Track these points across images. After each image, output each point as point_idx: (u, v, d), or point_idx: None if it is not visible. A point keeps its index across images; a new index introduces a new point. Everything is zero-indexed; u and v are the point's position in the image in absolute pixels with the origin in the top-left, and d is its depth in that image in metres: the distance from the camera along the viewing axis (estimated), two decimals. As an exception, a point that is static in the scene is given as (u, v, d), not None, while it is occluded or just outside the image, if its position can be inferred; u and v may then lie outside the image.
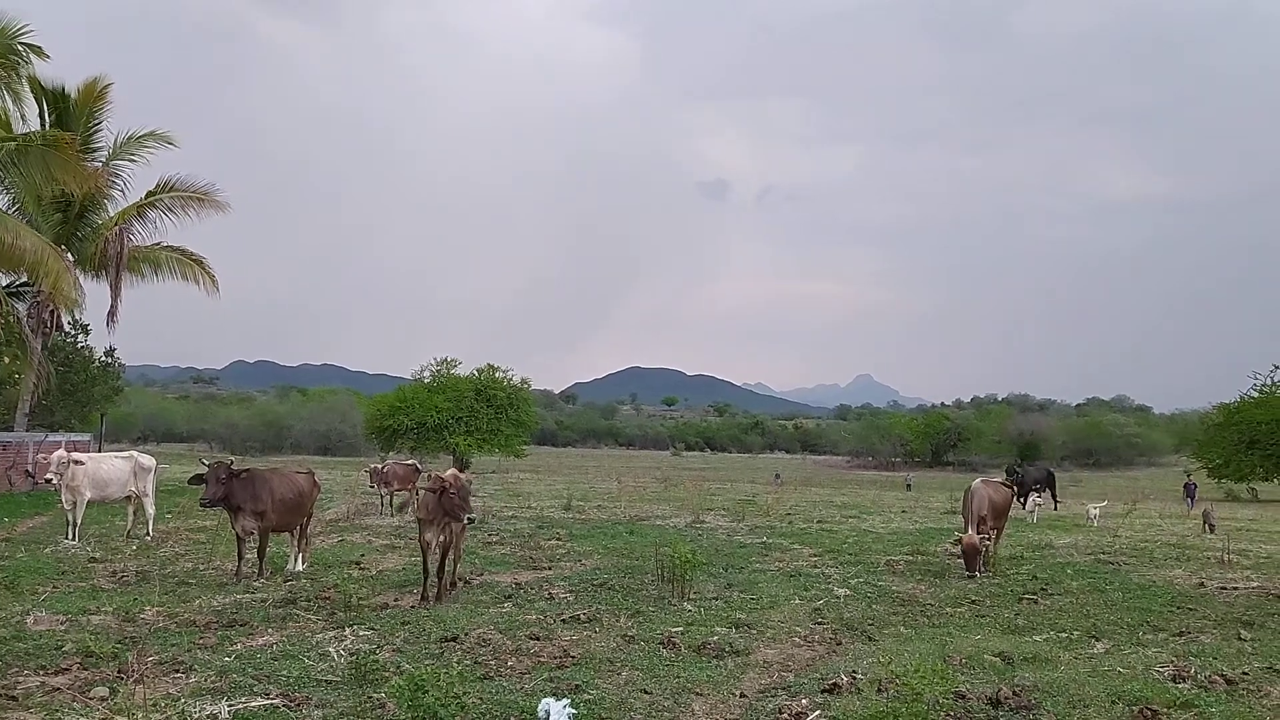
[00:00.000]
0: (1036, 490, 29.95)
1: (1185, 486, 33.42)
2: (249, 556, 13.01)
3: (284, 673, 7.82)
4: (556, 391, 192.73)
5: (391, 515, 21.58)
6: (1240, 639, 9.99)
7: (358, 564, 14.16)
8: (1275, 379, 47.04)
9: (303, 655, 8.42)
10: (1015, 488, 30.17)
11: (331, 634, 9.32)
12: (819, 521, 23.16)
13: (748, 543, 18.06)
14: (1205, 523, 22.35)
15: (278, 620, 10.01)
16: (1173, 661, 8.78)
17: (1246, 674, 8.37)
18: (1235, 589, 13.47)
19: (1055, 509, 29.57)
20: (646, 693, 7.54)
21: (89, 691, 7.13)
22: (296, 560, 13.52)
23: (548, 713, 6.43)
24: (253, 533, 12.92)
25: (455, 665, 7.27)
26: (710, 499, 30.45)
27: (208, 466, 12.85)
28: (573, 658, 8.57)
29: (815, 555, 16.46)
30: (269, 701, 6.98)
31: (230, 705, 6.80)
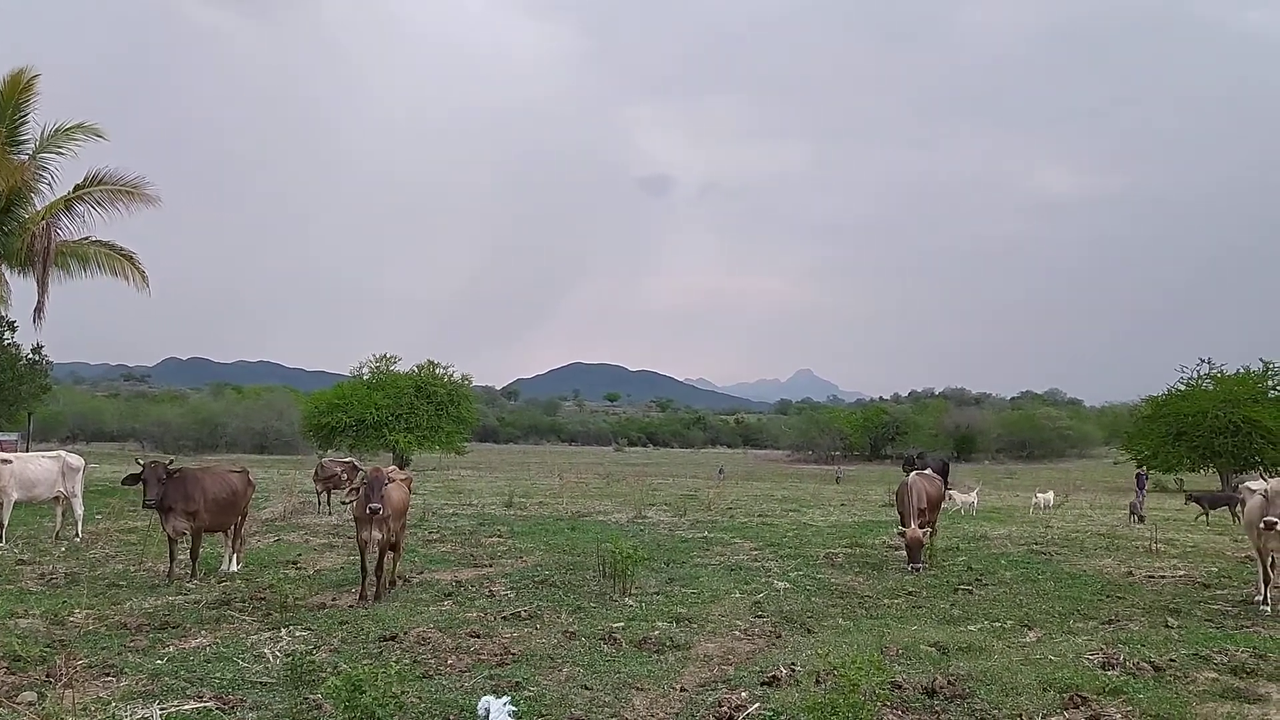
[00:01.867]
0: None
1: (1137, 477, 34.07)
2: (181, 558, 12.76)
3: (218, 675, 7.70)
4: (498, 388, 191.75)
5: (329, 514, 21.33)
6: (1167, 626, 10.28)
7: (294, 563, 13.98)
8: (1200, 373, 48.35)
9: (237, 657, 8.30)
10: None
11: (267, 635, 9.19)
12: (760, 515, 23.33)
13: (689, 537, 18.14)
14: (1133, 513, 22.89)
15: (211, 622, 9.86)
16: (1102, 649, 9.00)
17: (1173, 660, 8.61)
18: (1162, 577, 13.84)
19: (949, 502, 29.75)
20: (587, 688, 7.55)
21: (16, 696, 6.95)
22: (230, 560, 13.31)
23: (487, 710, 6.40)
24: (185, 533, 12.69)
25: (394, 664, 7.19)
26: (652, 494, 30.53)
27: (143, 466, 12.59)
28: (513, 655, 8.56)
29: (756, 549, 16.59)
30: (202, 704, 6.87)
31: (162, 709, 6.68)
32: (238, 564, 13.33)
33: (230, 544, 13.49)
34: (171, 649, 8.62)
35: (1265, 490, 11.30)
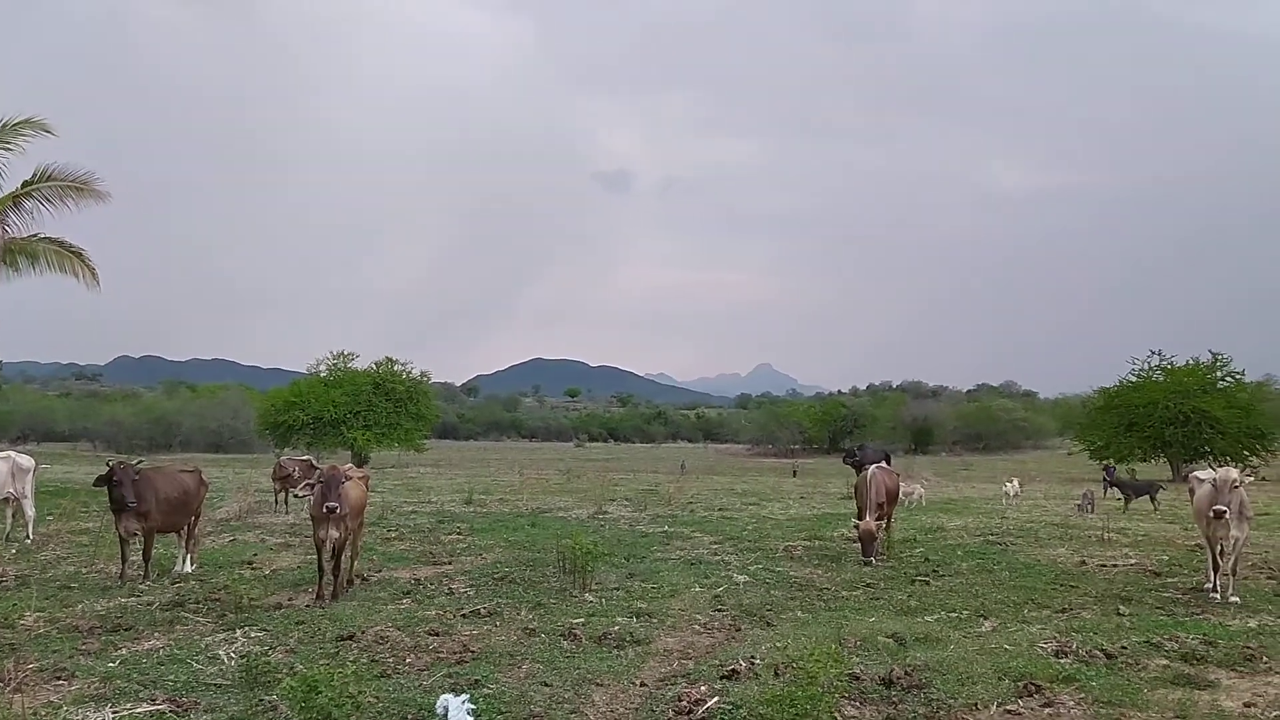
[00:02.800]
0: None
1: (1106, 469, 34.47)
2: (133, 559, 12.60)
3: (171, 677, 7.61)
4: (458, 384, 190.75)
5: (286, 513, 21.12)
6: (1119, 614, 10.44)
7: (250, 563, 13.82)
8: (1151, 365, 49.12)
9: (191, 659, 8.20)
10: (855, 469, 30.90)
11: (221, 636, 9.08)
12: (720, 509, 23.41)
13: (649, 532, 18.16)
14: (1086, 503, 23.20)
15: (165, 623, 9.73)
16: (1055, 637, 9.13)
17: (1125, 648, 8.75)
18: (1114, 566, 14.06)
19: None
20: (547, 685, 7.54)
21: (-37, 702, 6.82)
22: (184, 561, 13.14)
23: (446, 709, 6.37)
24: (137, 534, 12.51)
25: (351, 664, 7.16)
26: (613, 490, 30.53)
27: (111, 467, 12.42)
28: (472, 652, 8.52)
29: (716, 543, 16.64)
30: (155, 707, 6.79)
31: (115, 712, 6.60)
32: (192, 565, 13.16)
33: (184, 544, 13.31)
34: (124, 651, 8.49)
35: (1214, 479, 11.51)
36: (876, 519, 14.27)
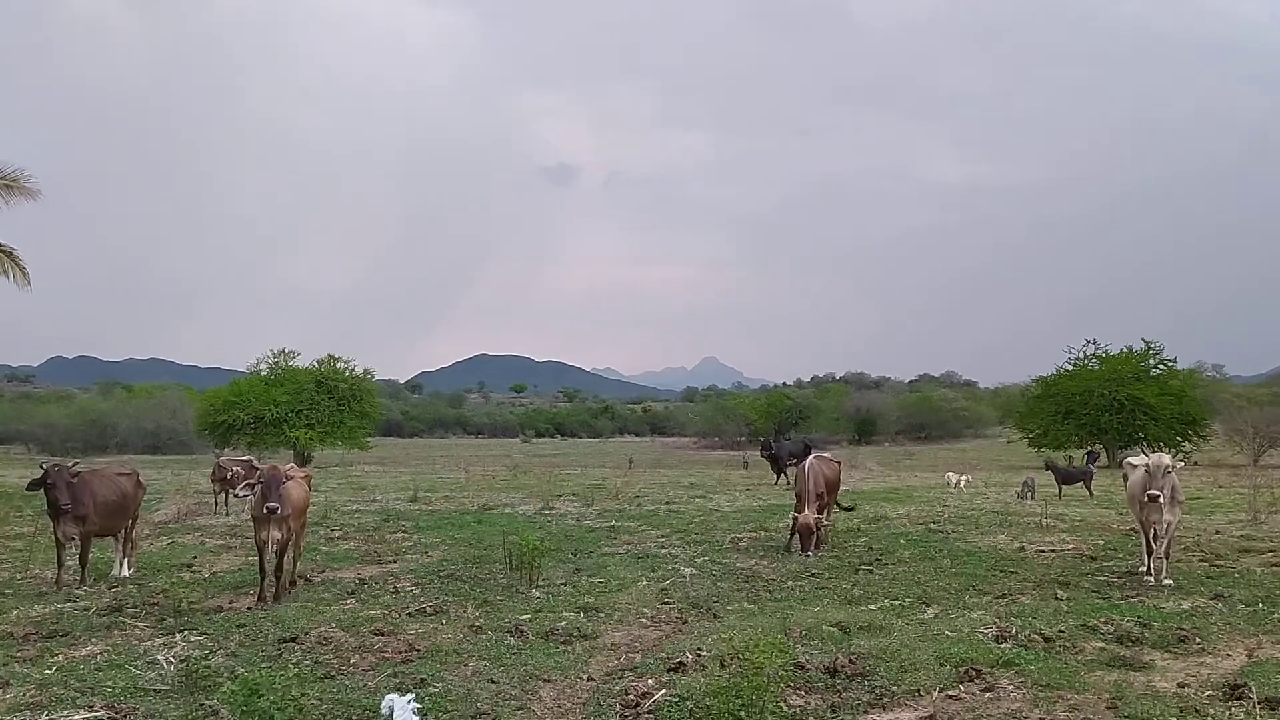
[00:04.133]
0: (793, 464, 31.06)
1: (1089, 455, 34.88)
2: (70, 563, 12.33)
3: (109, 684, 7.48)
4: (402, 381, 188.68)
5: (226, 514, 20.78)
6: (1057, 598, 10.68)
7: (189, 566, 13.62)
8: (1086, 354, 50.08)
9: (129, 664, 8.06)
10: (770, 461, 31.19)
11: (161, 641, 8.94)
12: (667, 503, 23.45)
13: (597, 527, 18.16)
14: (1026, 490, 23.56)
15: (102, 629, 9.58)
16: (995, 623, 9.31)
17: (1062, 632, 8.95)
18: (1052, 551, 14.36)
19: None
20: (493, 682, 7.51)
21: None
22: (122, 565, 12.90)
23: (391, 709, 6.32)
24: (74, 538, 12.24)
25: (294, 666, 7.08)
26: (560, 485, 30.44)
27: (45, 470, 12.13)
28: (418, 651, 8.47)
29: (663, 536, 16.69)
30: (93, 714, 6.68)
31: (51, 719, 6.44)
32: (129, 569, 12.92)
33: (121, 548, 13.06)
34: (60, 658, 8.34)
35: (1147, 465, 11.79)
36: (817, 510, 14.35)
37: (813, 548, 14.13)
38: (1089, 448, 40.07)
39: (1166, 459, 11.81)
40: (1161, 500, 11.42)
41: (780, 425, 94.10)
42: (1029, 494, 23.45)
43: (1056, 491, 25.03)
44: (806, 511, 14.19)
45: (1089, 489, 25.11)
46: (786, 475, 31.11)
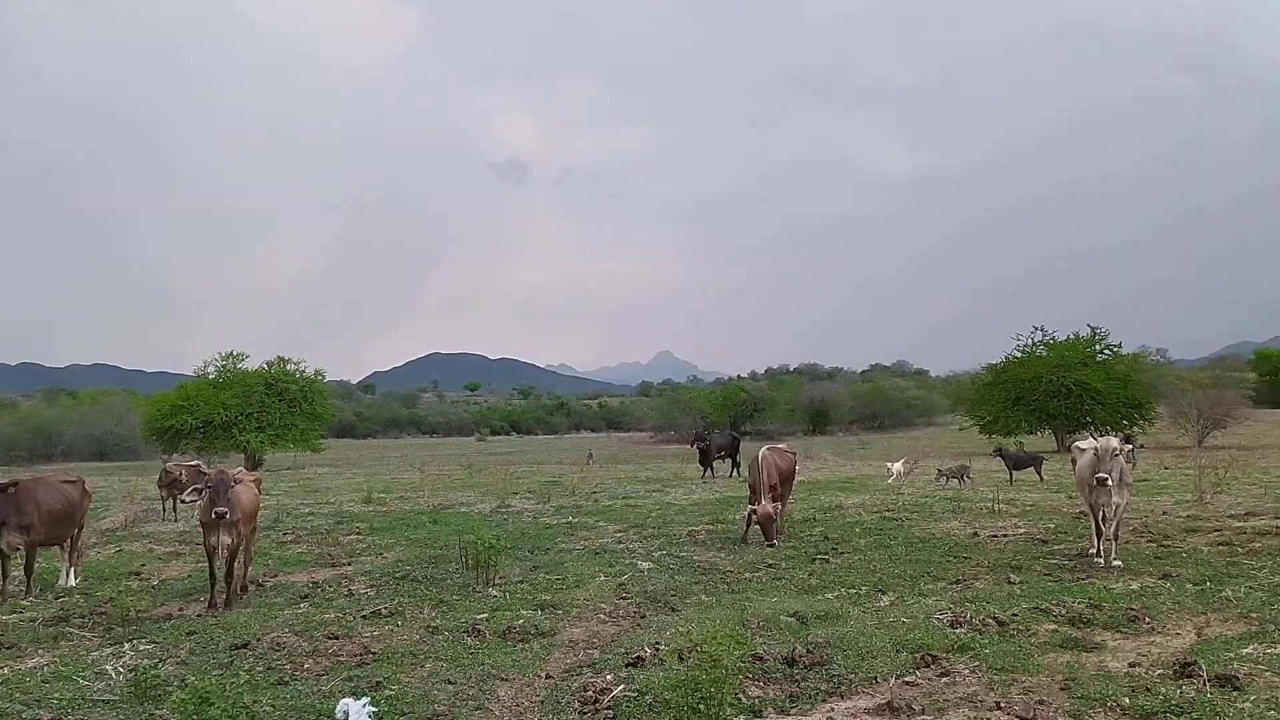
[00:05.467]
0: (721, 457, 31.20)
1: (1125, 437, 34.73)
2: (15, 574, 12.02)
3: (56, 695, 7.32)
4: (354, 382, 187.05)
5: (175, 521, 20.43)
6: (1010, 583, 10.80)
7: (138, 574, 13.36)
8: (1035, 340, 50.86)
9: (77, 675, 7.89)
10: (700, 454, 31.35)
11: (109, 650, 8.76)
12: (624, 497, 23.43)
13: (554, 523, 18.09)
14: (962, 475, 23.63)
15: (48, 640, 9.36)
16: (950, 608, 9.39)
17: (1016, 615, 9.06)
18: (1005, 536, 14.54)
19: (736, 476, 29.54)
20: (450, 683, 7.44)
21: None
22: (68, 574, 12.62)
23: (346, 713, 6.24)
24: (18, 548, 11.93)
25: (245, 673, 6.93)
26: (516, 482, 30.29)
27: None
28: (373, 654, 8.37)
29: (620, 531, 16.66)
30: (39, 728, 6.48)
31: (-7, 736, 6.28)
32: (76, 578, 12.64)
33: (67, 557, 12.77)
34: (6, 670, 8.15)
35: (1096, 449, 11.97)
36: (771, 500, 14.39)
37: (775, 536, 14.16)
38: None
39: (1114, 442, 12.00)
40: (1110, 483, 11.60)
41: (736, 417, 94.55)
42: (947, 479, 23.48)
43: (1008, 477, 25.37)
44: (764, 502, 14.22)
45: (1039, 474, 25.49)
46: (713, 469, 31.11)
